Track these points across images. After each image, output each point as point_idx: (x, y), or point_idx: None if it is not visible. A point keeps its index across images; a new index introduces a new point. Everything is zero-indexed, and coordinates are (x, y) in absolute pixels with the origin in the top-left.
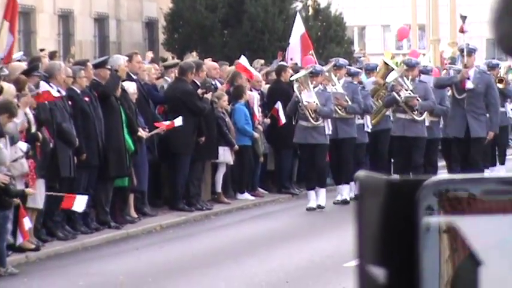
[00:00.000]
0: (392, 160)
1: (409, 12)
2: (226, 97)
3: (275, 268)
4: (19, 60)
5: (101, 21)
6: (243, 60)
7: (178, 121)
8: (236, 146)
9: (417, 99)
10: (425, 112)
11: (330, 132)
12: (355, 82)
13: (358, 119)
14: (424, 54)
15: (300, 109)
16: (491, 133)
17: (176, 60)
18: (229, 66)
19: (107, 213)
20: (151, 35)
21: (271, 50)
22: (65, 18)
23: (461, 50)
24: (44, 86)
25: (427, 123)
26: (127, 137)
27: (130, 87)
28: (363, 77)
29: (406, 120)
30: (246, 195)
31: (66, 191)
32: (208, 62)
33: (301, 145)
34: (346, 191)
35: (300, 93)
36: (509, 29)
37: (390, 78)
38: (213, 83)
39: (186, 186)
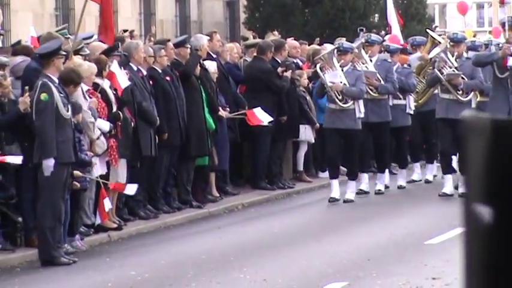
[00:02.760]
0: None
1: None
2: (306, 75)
3: (356, 246)
4: (101, 41)
5: (182, 0)
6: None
7: (265, 117)
8: (317, 124)
9: (462, 78)
10: (472, 93)
11: (362, 115)
12: (389, 60)
13: (399, 99)
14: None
15: (326, 91)
16: None
17: (257, 40)
18: (309, 45)
19: (189, 193)
20: (232, 14)
21: (353, 28)
22: None
23: (503, 24)
24: (114, 66)
25: (473, 105)
26: (208, 116)
27: (211, 66)
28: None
29: (450, 100)
30: (328, 174)
31: (147, 170)
32: (290, 41)
33: (329, 129)
34: (383, 179)
35: (323, 74)
36: None
37: (433, 54)
38: (295, 61)
39: (267, 164)
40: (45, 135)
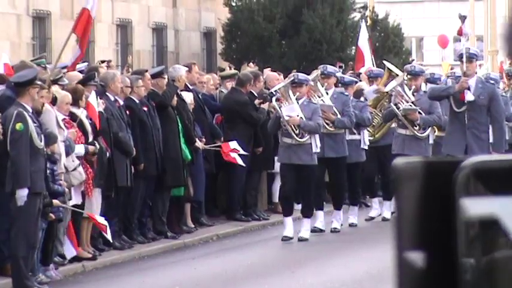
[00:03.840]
0: None
1: (467, 23)
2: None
3: (331, 279)
4: (81, 71)
5: (159, 31)
6: None
7: (240, 160)
8: None
9: (419, 112)
10: (430, 128)
11: (318, 150)
12: (346, 93)
13: (354, 134)
14: (480, 65)
15: (282, 125)
16: (494, 154)
17: (233, 71)
18: (286, 77)
19: (164, 223)
20: (209, 45)
21: (329, 60)
22: (123, 28)
23: (460, 56)
24: (92, 97)
25: (431, 141)
26: (184, 146)
27: (188, 97)
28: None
29: (406, 136)
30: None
31: (123, 200)
32: (270, 73)
33: (284, 165)
34: (339, 216)
35: (279, 107)
36: None
37: (389, 87)
38: (273, 92)
39: (242, 196)
40: (19, 165)
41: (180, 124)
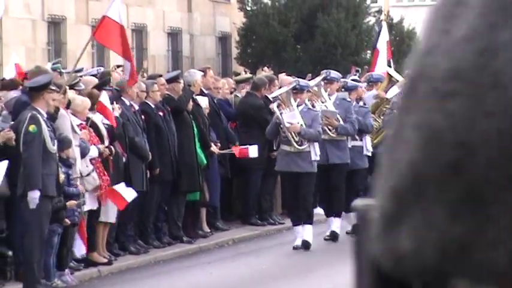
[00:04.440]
0: None
1: None
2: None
3: (343, 284)
4: (95, 75)
5: (174, 35)
6: None
7: (254, 151)
8: None
9: None
10: None
11: (318, 158)
12: (349, 99)
13: (356, 140)
14: None
15: (282, 131)
16: None
17: (248, 75)
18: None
19: (180, 228)
20: (224, 50)
21: (344, 64)
22: (139, 33)
23: None
24: (103, 96)
25: None
26: (199, 151)
27: (203, 102)
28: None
29: None
30: (318, 210)
31: (138, 205)
32: (284, 77)
33: (283, 173)
34: (337, 224)
35: (280, 114)
36: (384, 246)
37: (391, 94)
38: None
39: (257, 200)
40: (31, 166)
41: (195, 129)
